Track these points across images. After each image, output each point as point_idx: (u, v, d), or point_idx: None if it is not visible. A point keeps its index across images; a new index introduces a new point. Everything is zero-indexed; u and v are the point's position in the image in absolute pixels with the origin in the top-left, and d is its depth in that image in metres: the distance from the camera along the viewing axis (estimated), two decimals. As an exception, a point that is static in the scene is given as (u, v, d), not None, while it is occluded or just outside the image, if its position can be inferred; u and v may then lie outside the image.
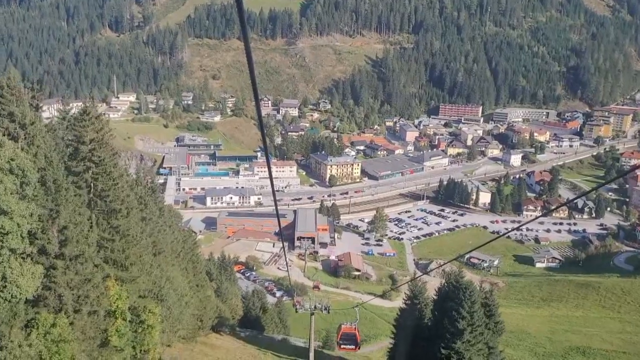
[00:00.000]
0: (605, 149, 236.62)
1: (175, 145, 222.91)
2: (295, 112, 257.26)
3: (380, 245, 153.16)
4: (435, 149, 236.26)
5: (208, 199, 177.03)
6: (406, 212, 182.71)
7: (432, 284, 66.83)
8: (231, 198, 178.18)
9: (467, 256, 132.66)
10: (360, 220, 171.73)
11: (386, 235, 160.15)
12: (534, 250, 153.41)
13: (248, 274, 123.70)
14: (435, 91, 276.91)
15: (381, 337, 74.84)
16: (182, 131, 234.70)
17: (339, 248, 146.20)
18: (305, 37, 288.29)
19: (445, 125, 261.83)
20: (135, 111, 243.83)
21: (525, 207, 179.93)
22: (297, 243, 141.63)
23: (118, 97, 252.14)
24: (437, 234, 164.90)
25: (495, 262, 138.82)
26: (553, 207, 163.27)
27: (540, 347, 73.67)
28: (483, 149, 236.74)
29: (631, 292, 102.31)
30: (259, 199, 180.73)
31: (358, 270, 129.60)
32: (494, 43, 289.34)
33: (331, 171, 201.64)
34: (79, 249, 22.92)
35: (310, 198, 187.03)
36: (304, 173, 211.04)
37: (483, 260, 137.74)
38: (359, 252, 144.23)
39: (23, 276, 19.68)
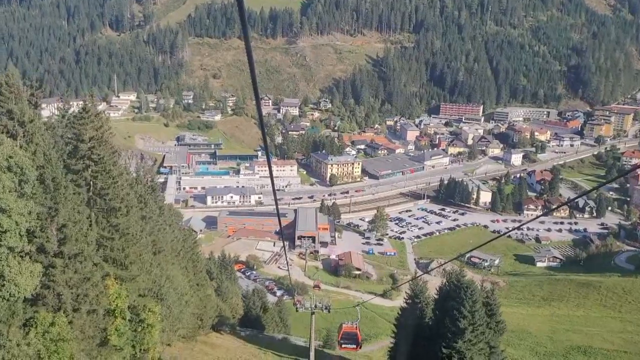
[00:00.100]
0: (606, 148, 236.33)
1: (175, 145, 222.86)
2: (295, 111, 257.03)
3: (381, 244, 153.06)
4: (435, 148, 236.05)
5: (208, 198, 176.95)
6: (407, 211, 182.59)
7: (433, 283, 66.77)
8: (232, 197, 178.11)
9: (467, 255, 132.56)
10: (360, 219, 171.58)
11: (387, 234, 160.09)
12: (534, 249, 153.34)
13: (248, 273, 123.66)
14: (436, 90, 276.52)
15: (382, 336, 74.77)
16: (183, 130, 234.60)
17: (340, 247, 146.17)
18: (306, 36, 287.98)
19: (446, 124, 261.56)
20: (136, 110, 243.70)
21: (526, 206, 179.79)
22: (297, 242, 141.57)
23: (118, 96, 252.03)
24: (437, 233, 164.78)
25: (496, 262, 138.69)
26: (554, 207, 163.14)
27: (542, 346, 73.59)
28: (484, 148, 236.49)
29: (632, 292, 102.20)
30: (259, 198, 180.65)
31: (358, 269, 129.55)
32: (494, 42, 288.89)
33: (332, 170, 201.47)
34: (78, 247, 22.77)
35: (311, 197, 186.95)
36: (305, 172, 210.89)
37: (484, 260, 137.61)
38: (360, 252, 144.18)
39: (21, 275, 19.53)
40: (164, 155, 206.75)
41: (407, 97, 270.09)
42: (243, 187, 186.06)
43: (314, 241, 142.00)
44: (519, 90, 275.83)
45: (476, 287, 36.61)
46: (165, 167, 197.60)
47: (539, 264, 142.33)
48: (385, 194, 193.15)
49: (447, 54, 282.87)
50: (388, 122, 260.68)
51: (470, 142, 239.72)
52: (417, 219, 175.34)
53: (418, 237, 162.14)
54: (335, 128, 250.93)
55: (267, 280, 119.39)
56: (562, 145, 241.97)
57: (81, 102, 28.71)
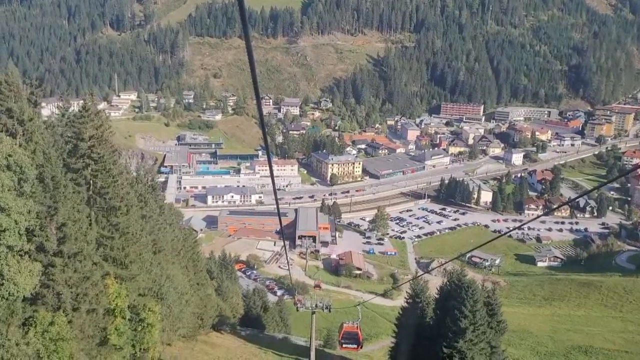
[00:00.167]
0: (607, 148, 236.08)
1: (176, 144, 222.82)
2: (296, 111, 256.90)
3: (382, 244, 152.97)
4: (436, 148, 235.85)
5: (209, 198, 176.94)
6: (407, 211, 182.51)
7: (434, 283, 66.66)
8: (232, 197, 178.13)
9: (468, 255, 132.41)
10: (361, 219, 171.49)
11: (387, 234, 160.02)
12: (535, 249, 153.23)
13: (249, 272, 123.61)
14: (437, 90, 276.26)
15: (382, 336, 74.66)
16: (183, 130, 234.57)
17: (340, 247, 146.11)
18: (307, 36, 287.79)
19: (447, 124, 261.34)
20: (137, 110, 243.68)
21: (527, 206, 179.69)
22: (298, 242, 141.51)
23: (119, 96, 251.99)
24: (438, 232, 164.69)
25: (497, 261, 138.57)
26: (555, 206, 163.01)
27: (543, 346, 73.47)
28: (484, 147, 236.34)
29: (633, 291, 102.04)
30: (260, 197, 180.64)
31: (359, 269, 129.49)
32: (495, 42, 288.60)
33: (332, 170, 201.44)
34: (78, 246, 22.68)
35: (312, 197, 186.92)
36: (305, 172, 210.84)
37: (485, 259, 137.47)
38: (360, 251, 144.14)
39: (20, 274, 19.43)
40: (165, 155, 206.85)
41: (407, 97, 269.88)
42: (244, 186, 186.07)
43: (314, 241, 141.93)
44: (519, 89, 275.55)
45: (477, 286, 36.53)
46: (165, 166, 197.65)
47: (539, 264, 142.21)
48: (385, 193, 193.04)
49: (448, 53, 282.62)
50: (389, 122, 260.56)
51: (471, 141, 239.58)
52: (417, 218, 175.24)
53: (419, 236, 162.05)
54: (336, 128, 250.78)
55: (268, 279, 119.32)
56: (563, 145, 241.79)
57: (81, 102, 28.61)
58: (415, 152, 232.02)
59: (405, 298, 42.71)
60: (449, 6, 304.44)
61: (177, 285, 36.20)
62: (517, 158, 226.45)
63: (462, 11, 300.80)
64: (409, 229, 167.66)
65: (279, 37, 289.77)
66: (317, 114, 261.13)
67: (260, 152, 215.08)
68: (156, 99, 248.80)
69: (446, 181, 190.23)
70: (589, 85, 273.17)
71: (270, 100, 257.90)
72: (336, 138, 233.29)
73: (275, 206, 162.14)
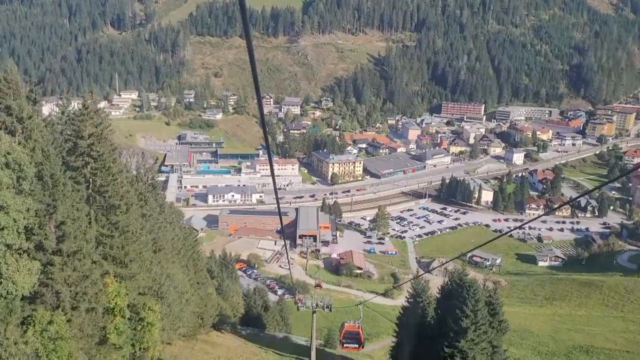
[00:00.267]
0: (608, 147, 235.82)
1: (177, 143, 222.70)
2: (297, 110, 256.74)
3: (382, 243, 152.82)
4: (437, 147, 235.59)
5: (210, 197, 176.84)
6: (408, 210, 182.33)
7: (435, 283, 66.44)
8: (233, 196, 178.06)
9: (469, 255, 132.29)
10: (362, 218, 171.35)
11: (388, 233, 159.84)
12: (536, 248, 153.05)
13: (250, 271, 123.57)
14: (438, 89, 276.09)
15: (383, 335, 74.61)
16: (184, 129, 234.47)
17: (341, 246, 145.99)
18: (307, 35, 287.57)
19: (448, 123, 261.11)
20: (137, 109, 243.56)
21: (528, 205, 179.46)
22: (298, 241, 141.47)
23: (120, 95, 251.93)
24: (439, 232, 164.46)
25: (498, 261, 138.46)
26: (556, 206, 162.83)
27: (544, 346, 73.32)
28: (485, 147, 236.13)
29: (634, 291, 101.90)
30: (260, 196, 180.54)
31: (360, 268, 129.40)
32: (496, 41, 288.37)
33: (333, 169, 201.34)
34: (77, 245, 22.54)
35: (312, 196, 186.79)
36: (306, 171, 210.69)
37: (485, 259, 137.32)
38: (361, 251, 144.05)
39: (19, 272, 19.30)
40: (165, 154, 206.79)
41: (408, 96, 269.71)
42: (244, 185, 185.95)
43: (315, 240, 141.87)
44: (520, 89, 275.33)
45: (479, 286, 36.33)
46: (166, 165, 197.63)
47: (540, 264, 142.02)
48: (386, 193, 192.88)
49: (449, 52, 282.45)
50: (390, 121, 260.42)
51: (471, 141, 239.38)
52: (418, 218, 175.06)
53: (419, 236, 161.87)
54: (337, 127, 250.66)
55: (268, 279, 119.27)
56: (564, 145, 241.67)
57: (82, 100, 28.45)
58: (416, 152, 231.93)
59: (406, 297, 42.54)
60: (450, 5, 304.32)
61: (177, 284, 36.05)
62: (518, 157, 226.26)
63: (463, 10, 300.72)
64: (409, 228, 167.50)
65: (280, 36, 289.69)
66: (317, 113, 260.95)
67: (261, 152, 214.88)
68: (157, 98, 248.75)
69: (447, 181, 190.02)
70: (590, 85, 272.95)
71: (271, 100, 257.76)
72: (337, 137, 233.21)
73: (276, 205, 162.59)
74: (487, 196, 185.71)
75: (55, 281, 21.70)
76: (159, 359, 31.85)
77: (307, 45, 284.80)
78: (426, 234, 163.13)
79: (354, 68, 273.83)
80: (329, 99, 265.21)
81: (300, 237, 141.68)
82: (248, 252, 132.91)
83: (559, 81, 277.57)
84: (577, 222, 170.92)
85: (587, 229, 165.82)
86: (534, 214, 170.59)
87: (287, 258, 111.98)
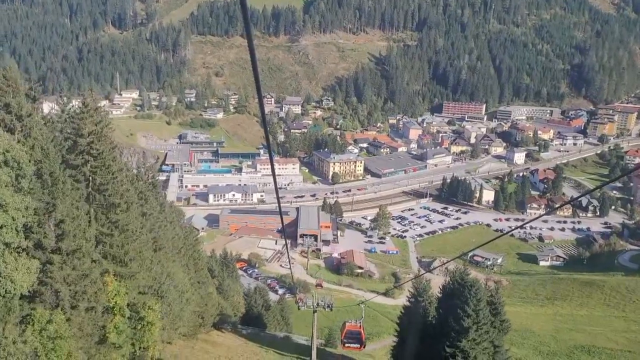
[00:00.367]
0: (609, 147, 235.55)
1: (177, 142, 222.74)
2: (298, 110, 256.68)
3: (383, 243, 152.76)
4: (438, 147, 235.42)
5: (210, 196, 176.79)
6: (409, 210, 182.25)
7: (436, 282, 66.24)
8: (234, 195, 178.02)
9: (470, 254, 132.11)
10: (363, 217, 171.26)
11: (389, 233, 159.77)
12: (537, 248, 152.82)
13: (250, 271, 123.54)
14: (439, 89, 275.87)
15: (384, 335, 74.51)
16: (185, 128, 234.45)
17: (342, 246, 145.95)
18: (309, 35, 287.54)
19: (449, 123, 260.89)
20: (138, 108, 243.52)
21: (529, 205, 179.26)
22: (299, 240, 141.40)
23: (121, 94, 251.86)
24: (440, 231, 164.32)
25: (499, 260, 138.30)
26: (557, 205, 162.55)
27: (545, 345, 73.12)
28: (487, 146, 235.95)
29: (636, 291, 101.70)
30: (261, 196, 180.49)
31: (361, 267, 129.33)
32: (497, 41, 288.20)
33: (334, 169, 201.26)
34: (77, 243, 22.37)
35: (313, 195, 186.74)
36: (307, 170, 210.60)
37: (487, 259, 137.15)
38: (362, 250, 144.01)
39: (18, 271, 19.13)
40: (166, 153, 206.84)
41: (409, 96, 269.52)
42: (245, 185, 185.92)
43: (316, 239, 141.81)
44: (522, 88, 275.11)
45: (480, 285, 36.17)
46: (167, 165, 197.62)
47: (542, 263, 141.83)
48: (387, 192, 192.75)
49: (450, 52, 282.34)
50: (391, 121, 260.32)
51: (473, 140, 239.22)
52: (419, 217, 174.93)
53: (420, 235, 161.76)
54: (338, 126, 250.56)
55: (269, 278, 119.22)
56: (565, 144, 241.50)
57: (82, 99, 28.30)
58: (417, 151, 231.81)
59: (407, 297, 42.40)
60: (451, 5, 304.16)
61: (177, 284, 35.89)
62: (519, 157, 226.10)
63: (465, 10, 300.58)
64: (410, 228, 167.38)
65: (281, 35, 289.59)
66: (318, 112, 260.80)
67: (261, 151, 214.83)
68: (158, 97, 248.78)
69: (448, 180, 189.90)
70: (591, 84, 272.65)
71: (272, 99, 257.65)
72: (338, 137, 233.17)
73: (276, 205, 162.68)
74: (488, 196, 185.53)
75: (55, 280, 21.54)
76: (159, 358, 31.72)
77: (308, 45, 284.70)
78: (427, 233, 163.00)
79: (355, 67, 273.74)
80: (330, 98, 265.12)
81: (301, 236, 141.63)
82: (249, 252, 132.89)
83: (560, 81, 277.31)
84: (579, 222, 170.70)
85: (588, 229, 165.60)
86: (535, 214, 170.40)
87: (288, 257, 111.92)
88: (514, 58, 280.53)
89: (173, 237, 42.42)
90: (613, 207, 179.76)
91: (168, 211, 46.02)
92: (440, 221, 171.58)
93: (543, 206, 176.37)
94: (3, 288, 18.88)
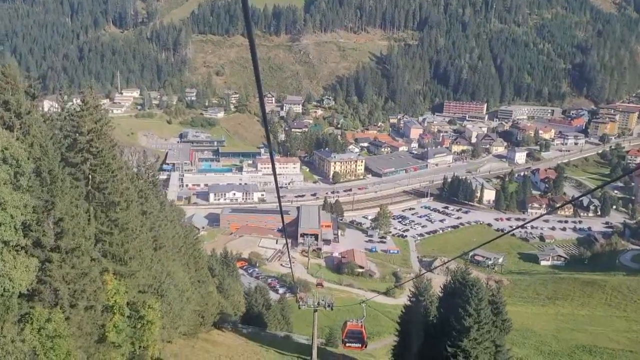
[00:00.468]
0: (610, 146, 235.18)
1: (178, 142, 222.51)
2: (298, 109, 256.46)
3: (384, 242, 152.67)
4: (439, 146, 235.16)
5: (211, 195, 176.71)
6: (410, 209, 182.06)
7: (436, 282, 66.07)
8: (234, 194, 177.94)
9: (471, 254, 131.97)
10: (363, 217, 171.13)
11: (390, 232, 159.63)
12: (538, 248, 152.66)
13: (251, 270, 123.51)
14: (440, 88, 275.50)
15: (385, 334, 74.42)
16: (186, 127, 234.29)
17: (343, 245, 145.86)
18: (309, 34, 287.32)
19: (450, 122, 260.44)
20: (139, 107, 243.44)
21: (530, 204, 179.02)
22: (300, 240, 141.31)
23: (122, 93, 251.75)
24: (441, 231, 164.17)
25: (500, 260, 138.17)
26: (558, 205, 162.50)
27: (546, 345, 72.99)
28: (487, 146, 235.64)
29: (637, 291, 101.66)
30: (262, 195, 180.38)
31: (361, 267, 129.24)
32: (499, 40, 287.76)
33: (335, 168, 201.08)
34: (76, 241, 22.23)
35: (314, 195, 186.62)
36: (308, 170, 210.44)
37: (487, 258, 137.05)
38: (363, 249, 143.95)
39: (16, 269, 18.99)
40: (167, 152, 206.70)
41: (410, 95, 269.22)
42: (246, 184, 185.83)
43: (316, 239, 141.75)
44: (523, 88, 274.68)
45: (482, 285, 35.98)
46: (168, 164, 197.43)
47: (543, 263, 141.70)
48: (388, 191, 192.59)
49: (451, 51, 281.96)
50: (391, 120, 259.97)
51: (474, 140, 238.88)
52: (420, 217, 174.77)
53: (421, 235, 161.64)
54: (339, 126, 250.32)
55: (270, 277, 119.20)
56: (566, 144, 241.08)
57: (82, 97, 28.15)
58: (418, 151, 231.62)
59: (408, 296, 42.24)
60: (452, 4, 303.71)
61: (177, 283, 35.75)
62: (521, 157, 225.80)
63: (466, 9, 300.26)
64: (411, 227, 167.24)
65: (282, 34, 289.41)
66: (319, 112, 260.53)
67: (262, 150, 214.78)
68: (158, 96, 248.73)
69: (449, 179, 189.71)
70: (592, 84, 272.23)
71: (273, 98, 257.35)
72: (339, 136, 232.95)
73: (277, 204, 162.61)
74: (489, 195, 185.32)
75: (54, 278, 21.39)
76: (158, 357, 31.59)
77: (309, 44, 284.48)
78: (428, 233, 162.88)
79: (356, 67, 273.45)
80: (330, 97, 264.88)
81: (302, 235, 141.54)
82: (249, 251, 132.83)
83: (561, 80, 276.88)
84: (580, 222, 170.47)
85: (589, 229, 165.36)
86: (536, 213, 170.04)
87: (289, 257, 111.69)
88: (515, 57, 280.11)
89: (173, 236, 42.28)
90: (614, 207, 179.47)
91: (168, 210, 45.88)
92: (441, 221, 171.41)
93: (544, 206, 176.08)
94: (1, 286, 18.74)
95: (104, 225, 26.21)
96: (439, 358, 33.44)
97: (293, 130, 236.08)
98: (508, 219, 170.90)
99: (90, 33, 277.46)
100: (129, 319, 26.41)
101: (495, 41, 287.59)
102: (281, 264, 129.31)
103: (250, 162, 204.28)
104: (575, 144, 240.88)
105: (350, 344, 38.77)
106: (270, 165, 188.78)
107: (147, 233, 32.19)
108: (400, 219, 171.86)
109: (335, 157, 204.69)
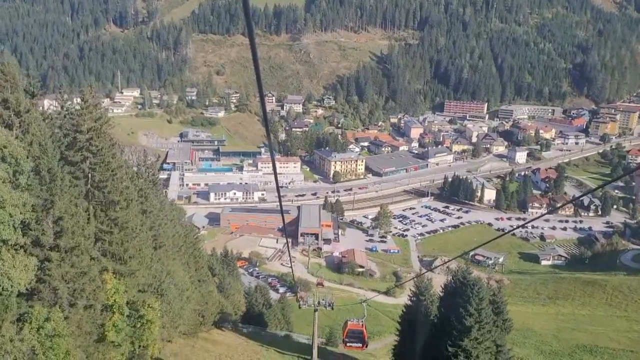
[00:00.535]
0: (611, 146, 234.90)
1: (179, 141, 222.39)
2: (299, 108, 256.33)
3: (384, 242, 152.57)
4: (440, 146, 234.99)
5: (211, 195, 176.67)
6: (410, 208, 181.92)
7: (437, 281, 65.98)
8: (235, 194, 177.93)
9: (471, 253, 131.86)
10: (364, 216, 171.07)
11: (390, 232, 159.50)
12: (539, 247, 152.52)
13: (251, 269, 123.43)
14: (440, 88, 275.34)
15: (385, 334, 74.32)
16: (186, 127, 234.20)
17: (343, 244, 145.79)
18: (310, 33, 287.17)
19: (450, 121, 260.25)
20: (139, 106, 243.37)
21: (531, 204, 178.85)
22: (300, 239, 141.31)
23: (122, 93, 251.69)
24: (441, 230, 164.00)
25: (500, 260, 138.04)
26: (559, 205, 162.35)
27: (547, 345, 72.86)
28: (488, 145, 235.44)
29: (638, 291, 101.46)
30: (262, 194, 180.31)
31: (362, 266, 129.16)
32: (499, 39, 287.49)
33: (335, 167, 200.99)
34: (75, 240, 22.14)
35: (314, 194, 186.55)
36: (308, 169, 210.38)
37: (488, 258, 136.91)
38: (363, 249, 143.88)
39: (15, 268, 18.90)
40: (167, 152, 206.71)
41: (411, 94, 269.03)
42: (246, 183, 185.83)
43: (317, 238, 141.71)
44: (523, 87, 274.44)
45: (483, 284, 35.84)
46: (168, 163, 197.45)
47: (543, 262, 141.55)
48: (388, 191, 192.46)
49: (452, 51, 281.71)
50: (392, 120, 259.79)
51: (474, 139, 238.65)
52: (420, 216, 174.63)
53: (422, 234, 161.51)
54: (339, 125, 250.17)
55: (270, 277, 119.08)
56: (567, 143, 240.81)
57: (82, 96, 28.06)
58: (418, 150, 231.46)
59: (409, 296, 42.13)
60: (452, 3, 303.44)
61: (177, 282, 35.68)
62: (521, 156, 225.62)
63: (466, 8, 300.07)
64: (412, 227, 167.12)
65: (282, 34, 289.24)
66: (320, 111, 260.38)
67: (263, 149, 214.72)
68: (159, 95, 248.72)
69: (449, 179, 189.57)
70: (593, 84, 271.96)
71: (273, 98, 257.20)
72: (339, 135, 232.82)
73: (277, 203, 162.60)
74: (490, 195, 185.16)
75: (53, 277, 21.31)
76: (158, 357, 31.51)
77: (310, 43, 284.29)
78: (428, 232, 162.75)
79: (357, 66, 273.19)
80: (331, 97, 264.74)
81: (302, 235, 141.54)
82: (250, 250, 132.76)
83: (562, 80, 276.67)
84: (580, 221, 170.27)
85: (590, 228, 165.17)
86: (536, 213, 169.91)
87: (289, 256, 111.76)
88: (516, 57, 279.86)
89: (173, 235, 42.23)
90: (615, 207, 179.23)
91: (168, 209, 45.81)
92: (442, 220, 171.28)
93: (545, 205, 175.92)
94: (0, 285, 18.66)
95: (104, 224, 26.13)
96: (439, 358, 33.32)
97: (293, 129, 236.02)
98: (508, 219, 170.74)
99: (91, 32, 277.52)
100: (129, 318, 26.34)
101: (495, 41, 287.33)
102: (281, 264, 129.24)
103: (250, 161, 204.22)
104: (576, 143, 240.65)
105: (351, 344, 38.63)
106: (270, 165, 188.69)
107: (147, 232, 32.12)
108: (400, 219, 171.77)
109: (335, 156, 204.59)
